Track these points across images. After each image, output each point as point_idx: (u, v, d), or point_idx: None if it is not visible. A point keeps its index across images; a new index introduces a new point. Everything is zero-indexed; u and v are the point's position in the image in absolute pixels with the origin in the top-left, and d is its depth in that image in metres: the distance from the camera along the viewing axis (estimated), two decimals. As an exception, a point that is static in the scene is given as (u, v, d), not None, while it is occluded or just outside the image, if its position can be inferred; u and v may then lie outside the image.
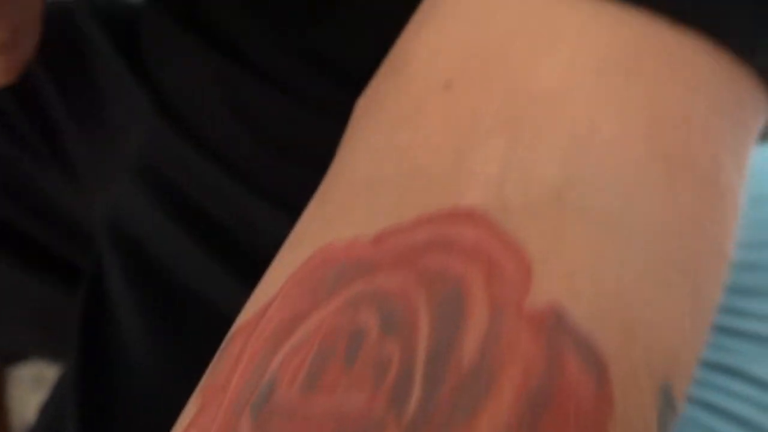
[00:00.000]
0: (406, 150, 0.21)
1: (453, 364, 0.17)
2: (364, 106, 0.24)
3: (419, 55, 0.23)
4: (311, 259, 0.20)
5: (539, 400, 0.16)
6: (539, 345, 0.17)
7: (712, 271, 0.20)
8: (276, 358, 0.18)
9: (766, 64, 0.21)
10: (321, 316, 0.19)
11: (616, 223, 0.19)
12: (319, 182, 0.25)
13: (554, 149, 0.20)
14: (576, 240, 0.18)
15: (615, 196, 0.19)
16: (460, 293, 0.18)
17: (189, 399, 0.21)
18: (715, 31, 0.21)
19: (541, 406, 0.16)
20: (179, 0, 0.52)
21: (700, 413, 0.55)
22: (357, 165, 0.23)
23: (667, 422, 0.18)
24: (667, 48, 0.20)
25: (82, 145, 0.58)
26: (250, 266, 0.47)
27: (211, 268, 0.50)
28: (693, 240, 0.20)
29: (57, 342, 0.64)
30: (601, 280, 0.18)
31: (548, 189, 0.19)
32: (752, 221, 0.63)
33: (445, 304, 0.17)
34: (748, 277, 0.61)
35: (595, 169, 0.19)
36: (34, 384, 0.90)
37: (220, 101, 0.50)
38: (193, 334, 0.49)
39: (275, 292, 0.21)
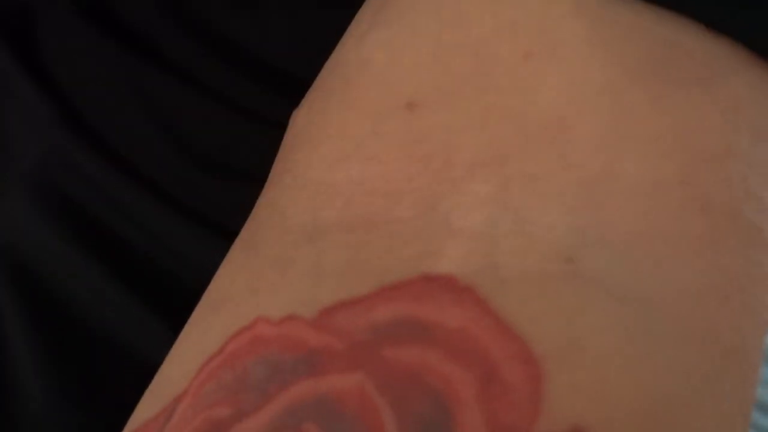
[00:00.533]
0: (356, 189, 0.16)
1: None
2: (302, 123, 0.19)
3: (373, 63, 0.17)
4: (233, 342, 0.15)
5: None
6: None
7: (759, 349, 0.16)
8: None
9: None
10: (248, 429, 0.13)
11: (647, 299, 0.14)
12: (249, 198, 0.20)
13: (559, 196, 0.15)
14: (599, 328, 0.13)
15: (643, 262, 0.14)
16: (445, 412, 0.12)
17: None
18: (757, 41, 0.16)
19: None
20: None
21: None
22: (292, 206, 0.17)
23: None
24: (700, 63, 0.16)
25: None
26: (169, 298, 0.42)
27: (122, 300, 0.44)
28: (741, 314, 0.15)
29: None
30: (638, 387, 0.13)
31: (555, 251, 0.14)
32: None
33: (421, 424, 0.12)
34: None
35: (615, 223, 0.14)
36: None
37: (134, 106, 0.43)
38: (99, 375, 0.44)
39: (186, 381, 0.15)
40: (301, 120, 0.19)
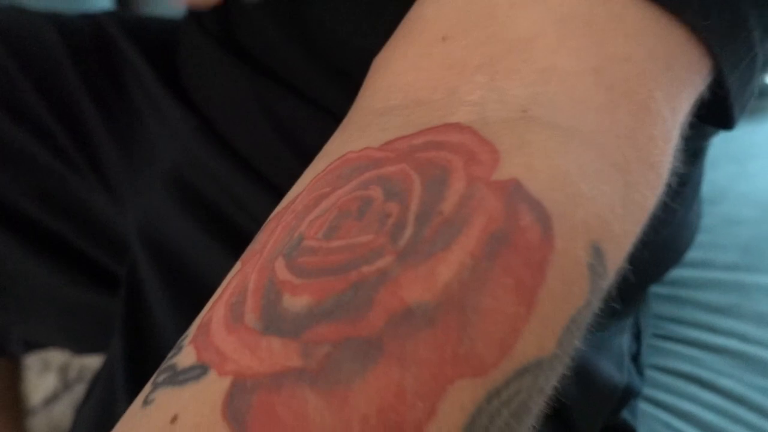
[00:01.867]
0: (411, 87, 0.28)
1: (436, 214, 0.22)
2: (379, 61, 0.30)
3: (426, 17, 0.29)
4: (332, 163, 0.26)
5: (498, 239, 0.21)
6: (501, 202, 0.22)
7: (643, 177, 0.26)
8: (304, 223, 0.24)
9: (700, 24, 0.27)
10: (339, 194, 0.24)
11: (567, 131, 0.25)
12: None
13: (523, 80, 0.26)
14: (535, 140, 0.24)
15: (568, 114, 0.25)
16: (445, 171, 0.23)
17: None
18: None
19: (499, 242, 0.21)
20: (214, 20, 0.56)
21: (674, 420, 0.60)
22: (372, 100, 0.29)
23: (597, 273, 0.23)
24: (614, 6, 0.27)
25: (117, 158, 0.62)
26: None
27: None
28: (627, 148, 0.26)
29: (81, 334, 0.70)
30: (552, 165, 0.23)
31: (517, 107, 0.25)
32: (734, 245, 0.68)
33: (433, 178, 0.23)
34: (723, 298, 0.66)
35: (554, 94, 0.25)
36: (40, 370, 0.94)
37: (258, 115, 0.53)
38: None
39: (303, 188, 0.26)
40: (378, 60, 0.30)
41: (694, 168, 0.50)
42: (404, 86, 0.28)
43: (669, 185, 0.47)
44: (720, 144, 0.78)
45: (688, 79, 0.28)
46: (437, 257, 0.21)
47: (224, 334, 0.22)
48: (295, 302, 0.21)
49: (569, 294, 0.22)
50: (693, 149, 0.48)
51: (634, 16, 0.27)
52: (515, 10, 0.27)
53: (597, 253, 0.23)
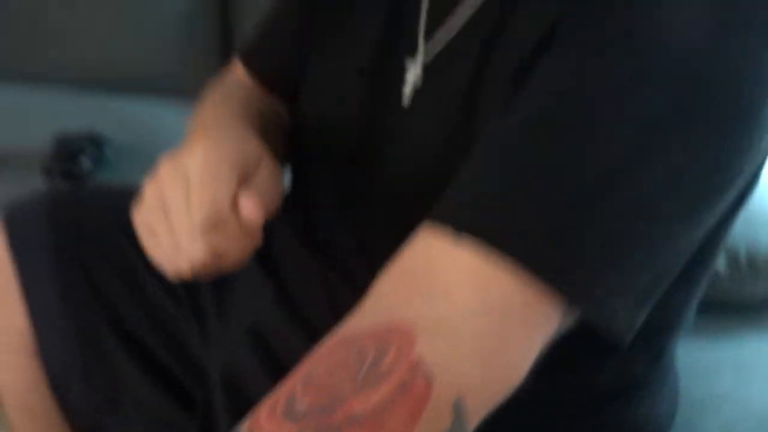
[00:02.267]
0: (384, 303, 0.44)
1: (377, 368, 0.38)
2: (376, 281, 0.46)
3: (396, 263, 0.45)
4: (331, 340, 0.42)
5: (403, 387, 0.37)
6: (409, 370, 0.38)
7: (500, 371, 0.41)
8: (315, 368, 0.40)
9: (557, 280, 0.41)
10: (336, 354, 0.40)
11: (458, 335, 0.40)
12: None
13: (438, 307, 0.41)
14: (437, 337, 0.40)
15: (459, 327, 0.40)
16: (387, 347, 0.39)
17: None
18: (519, 255, 0.41)
19: (403, 389, 0.37)
20: (300, 223, 0.73)
21: None
22: (368, 307, 0.45)
23: (458, 417, 0.38)
24: (495, 261, 0.41)
25: (214, 308, 0.79)
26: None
27: None
28: (492, 351, 0.41)
29: None
30: (443, 352, 0.39)
31: (433, 321, 0.41)
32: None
33: (380, 351, 0.39)
34: None
35: (453, 316, 0.41)
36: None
37: (323, 298, 0.70)
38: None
39: (315, 353, 0.42)
40: (377, 279, 0.46)
41: (658, 366, 0.63)
42: (382, 301, 0.44)
43: (626, 386, 0.59)
44: (723, 352, 0.89)
45: (545, 312, 0.42)
46: (372, 390, 0.37)
47: (264, 419, 0.39)
48: (302, 406, 0.38)
49: (438, 425, 0.38)
50: (655, 351, 0.62)
51: (505, 273, 0.41)
52: (439, 271, 0.43)
53: (459, 405, 0.38)
